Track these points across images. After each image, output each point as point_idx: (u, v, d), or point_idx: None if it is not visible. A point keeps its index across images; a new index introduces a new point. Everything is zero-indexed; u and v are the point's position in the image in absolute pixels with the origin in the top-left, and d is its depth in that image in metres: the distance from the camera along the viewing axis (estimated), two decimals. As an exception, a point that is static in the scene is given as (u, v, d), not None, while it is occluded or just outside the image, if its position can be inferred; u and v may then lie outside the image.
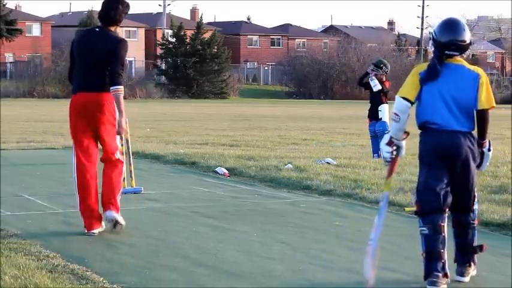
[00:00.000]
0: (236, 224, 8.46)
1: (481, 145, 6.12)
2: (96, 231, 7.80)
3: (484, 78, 6.07)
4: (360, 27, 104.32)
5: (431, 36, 6.14)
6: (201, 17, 74.85)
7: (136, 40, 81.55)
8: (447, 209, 6.03)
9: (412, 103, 6.09)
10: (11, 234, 7.63)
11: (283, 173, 12.27)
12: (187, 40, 70.90)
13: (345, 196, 10.47)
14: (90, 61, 7.75)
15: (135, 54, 77.29)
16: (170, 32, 72.44)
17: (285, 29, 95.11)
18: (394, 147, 6.14)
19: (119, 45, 7.72)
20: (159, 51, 73.82)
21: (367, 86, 15.09)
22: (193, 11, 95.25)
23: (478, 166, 6.14)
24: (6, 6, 70.50)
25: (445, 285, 5.92)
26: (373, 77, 14.89)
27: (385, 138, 6.19)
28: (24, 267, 6.20)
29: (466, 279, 6.12)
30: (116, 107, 7.73)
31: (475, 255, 6.20)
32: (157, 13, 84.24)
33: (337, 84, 77.63)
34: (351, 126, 27.49)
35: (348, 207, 9.70)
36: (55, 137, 19.91)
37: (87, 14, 74.96)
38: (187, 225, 8.37)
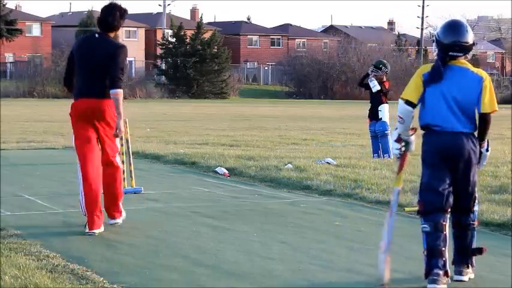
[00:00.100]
0: (236, 224, 8.46)
1: (479, 146, 6.15)
2: (96, 231, 7.84)
3: (488, 82, 6.10)
4: (360, 27, 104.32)
5: (434, 38, 6.17)
6: (201, 17, 74.88)
7: (136, 40, 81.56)
8: (449, 209, 6.06)
9: (415, 105, 6.12)
10: (11, 234, 7.63)
11: (283, 173, 12.27)
12: (187, 40, 70.91)
13: (345, 196, 10.47)
14: (90, 67, 7.88)
15: (135, 54, 77.31)
16: (170, 32, 72.44)
17: (285, 29, 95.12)
18: (403, 143, 6.22)
19: (119, 51, 7.85)
20: (159, 51, 73.83)
21: (368, 87, 15.11)
22: (193, 11, 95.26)
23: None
24: (6, 6, 70.52)
25: (446, 284, 5.94)
26: (372, 78, 14.91)
27: (394, 135, 6.26)
28: (24, 267, 6.20)
29: (465, 278, 6.12)
30: (114, 108, 7.83)
31: (473, 258, 6.20)
32: (157, 13, 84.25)
33: (337, 84, 77.63)
34: (351, 126, 27.50)
35: (348, 207, 9.70)
36: (55, 137, 19.91)
37: (87, 14, 75.02)
38: (187, 225, 8.37)
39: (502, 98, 67.71)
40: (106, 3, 8.19)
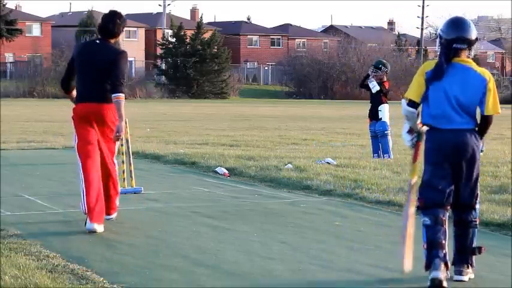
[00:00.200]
0: (236, 224, 8.46)
1: None
2: (96, 226, 7.91)
3: (492, 84, 6.14)
4: (360, 27, 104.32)
5: (438, 35, 6.20)
6: (201, 17, 74.88)
7: (136, 40, 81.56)
8: (448, 207, 6.11)
9: (417, 104, 6.15)
10: (11, 234, 7.63)
11: (283, 173, 12.27)
12: (187, 40, 70.91)
13: (345, 196, 10.47)
14: (90, 73, 8.10)
15: (135, 54, 77.31)
16: (170, 32, 72.45)
17: (285, 29, 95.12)
18: (415, 134, 6.29)
19: (119, 57, 8.07)
20: (159, 51, 73.83)
21: (369, 88, 15.11)
22: (193, 11, 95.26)
23: None
24: (6, 6, 70.52)
25: (446, 274, 5.95)
26: (372, 79, 14.91)
27: (405, 128, 6.31)
28: (24, 267, 6.20)
29: (465, 278, 6.13)
30: (116, 114, 8.07)
31: (473, 257, 6.20)
32: (157, 13, 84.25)
33: (337, 84, 77.64)
34: (351, 126, 27.50)
35: (348, 207, 9.70)
36: (55, 137, 19.91)
37: (87, 14, 75.06)
38: (187, 225, 8.37)
39: (502, 98, 67.70)
40: (107, 11, 8.39)
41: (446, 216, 6.09)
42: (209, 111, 42.70)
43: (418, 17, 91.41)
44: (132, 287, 5.92)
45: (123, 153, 10.85)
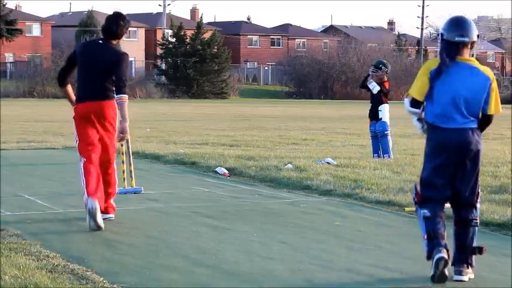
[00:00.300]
0: (236, 224, 8.46)
1: None
2: (95, 201, 8.03)
3: (495, 83, 6.20)
4: (360, 27, 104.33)
5: (439, 34, 6.22)
6: (201, 17, 74.89)
7: (136, 40, 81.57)
8: (445, 204, 6.18)
9: (420, 103, 6.18)
10: (11, 234, 7.63)
11: (283, 173, 12.26)
12: (187, 40, 70.92)
13: (345, 196, 10.46)
14: (92, 72, 8.27)
15: (135, 54, 77.30)
16: (170, 32, 72.46)
17: (285, 29, 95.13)
18: (425, 121, 6.32)
19: (122, 58, 8.26)
20: (159, 51, 73.84)
21: (369, 88, 15.11)
22: (193, 11, 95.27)
23: None
24: (6, 6, 70.52)
25: (448, 259, 6.00)
26: (371, 80, 14.90)
27: (415, 116, 6.31)
28: (24, 267, 6.19)
29: (465, 278, 6.13)
30: (119, 114, 8.28)
31: (473, 257, 6.20)
32: (157, 13, 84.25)
33: (337, 84, 77.66)
34: (351, 126, 27.50)
35: (348, 207, 9.70)
36: (55, 137, 19.91)
37: (87, 14, 75.07)
38: (187, 225, 8.37)
39: (502, 98, 67.71)
40: (111, 12, 8.59)
41: (444, 211, 6.17)
42: (209, 111, 42.71)
43: (418, 17, 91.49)
44: (132, 287, 5.92)
45: (123, 153, 10.84)
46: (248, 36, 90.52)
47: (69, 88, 8.55)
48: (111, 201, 8.63)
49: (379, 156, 14.78)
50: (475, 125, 6.14)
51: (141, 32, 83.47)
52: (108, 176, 8.45)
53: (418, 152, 14.49)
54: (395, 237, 7.90)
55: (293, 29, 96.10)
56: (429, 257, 6.06)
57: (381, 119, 14.90)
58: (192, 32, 71.32)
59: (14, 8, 79.47)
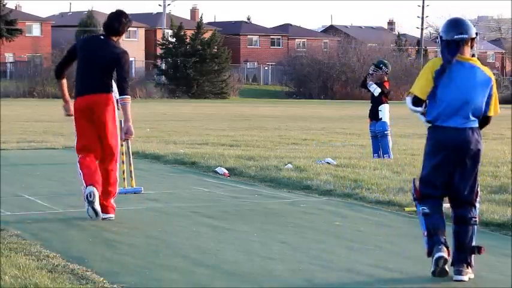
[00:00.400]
0: (236, 224, 8.46)
1: None
2: (95, 189, 8.28)
3: (495, 85, 6.26)
4: (360, 27, 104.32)
5: (438, 37, 6.26)
6: (201, 17, 74.89)
7: (136, 40, 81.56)
8: (443, 198, 6.26)
9: (423, 102, 6.20)
10: (11, 234, 7.63)
11: (283, 173, 12.26)
12: (187, 40, 70.93)
13: (345, 196, 10.46)
14: (92, 67, 8.41)
15: (135, 54, 77.28)
16: (170, 32, 72.46)
17: (285, 29, 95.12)
18: (426, 120, 6.35)
19: (123, 56, 8.39)
20: (159, 51, 73.85)
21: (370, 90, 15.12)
22: (193, 11, 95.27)
23: None
24: (6, 6, 70.52)
25: (448, 258, 6.06)
26: (371, 82, 14.89)
27: (418, 112, 6.33)
28: (24, 267, 6.19)
29: (465, 278, 6.13)
30: (123, 113, 8.45)
31: (472, 257, 6.21)
32: (157, 13, 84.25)
33: (337, 84, 77.66)
34: (351, 126, 27.50)
35: (348, 207, 9.70)
36: (55, 137, 19.90)
37: (87, 14, 75.05)
38: (187, 225, 8.37)
39: (502, 98, 67.77)
40: (113, 10, 8.68)
41: (442, 206, 6.24)
42: (209, 111, 42.70)
43: (418, 17, 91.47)
44: (132, 287, 5.92)
45: (123, 153, 10.85)
46: (248, 36, 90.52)
47: (65, 82, 8.76)
48: (112, 201, 8.64)
49: (379, 156, 14.78)
50: (475, 125, 6.17)
51: (141, 32, 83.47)
52: (108, 173, 8.48)
53: (418, 152, 14.49)
54: (395, 237, 7.90)
55: (293, 29, 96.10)
56: (429, 253, 6.11)
57: (381, 119, 14.89)
58: (192, 32, 71.33)
59: (14, 8, 79.48)
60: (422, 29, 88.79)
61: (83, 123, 8.43)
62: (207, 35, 71.25)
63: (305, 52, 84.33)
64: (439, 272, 6.05)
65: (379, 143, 14.89)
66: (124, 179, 10.62)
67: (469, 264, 6.18)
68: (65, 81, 8.77)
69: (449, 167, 6.15)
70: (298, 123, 29.78)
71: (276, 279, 6.22)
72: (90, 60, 8.41)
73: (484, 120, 6.24)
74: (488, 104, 6.18)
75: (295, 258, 6.90)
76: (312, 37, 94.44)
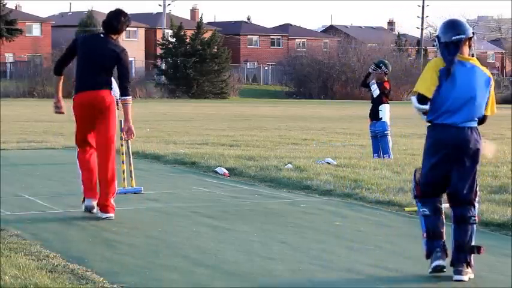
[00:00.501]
0: (236, 224, 8.46)
1: None
2: (93, 201, 8.71)
3: (493, 85, 6.32)
4: (360, 27, 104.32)
5: (435, 39, 6.28)
6: (201, 17, 74.87)
7: (136, 40, 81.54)
8: (442, 194, 6.32)
9: (428, 100, 6.21)
10: (11, 234, 7.63)
11: (283, 173, 12.26)
12: (187, 40, 70.91)
13: (345, 196, 10.46)
14: (93, 63, 8.59)
15: (135, 54, 77.25)
16: (170, 32, 72.44)
17: (285, 29, 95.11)
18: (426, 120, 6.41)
19: (123, 54, 8.57)
20: (159, 51, 73.84)
21: (370, 87, 15.12)
22: (193, 11, 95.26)
23: None
24: (6, 6, 70.50)
25: (446, 262, 6.16)
26: (374, 81, 14.92)
27: (421, 111, 6.35)
28: (24, 267, 6.19)
29: (465, 278, 6.14)
30: (123, 113, 8.66)
31: (472, 257, 6.21)
32: (157, 13, 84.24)
33: (337, 84, 77.64)
34: (351, 126, 27.50)
35: (348, 207, 9.70)
36: (55, 137, 19.90)
37: (87, 14, 75.01)
38: (187, 225, 8.37)
39: (502, 98, 67.78)
40: (111, 10, 8.86)
41: (442, 204, 6.32)
42: (209, 111, 42.70)
43: (418, 17, 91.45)
44: (132, 287, 5.92)
45: (123, 153, 10.85)
46: (248, 36, 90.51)
47: (61, 79, 8.92)
48: (112, 200, 8.66)
49: (379, 156, 14.78)
50: (474, 124, 6.22)
51: (141, 32, 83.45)
52: (107, 170, 8.58)
53: (418, 152, 14.48)
54: (395, 237, 7.90)
55: (293, 29, 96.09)
56: (428, 256, 6.21)
57: (381, 118, 14.90)
58: (192, 32, 71.31)
59: (14, 8, 79.46)
60: (422, 29, 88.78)
61: (82, 118, 8.62)
62: (207, 35, 71.24)
63: (305, 52, 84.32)
64: (435, 272, 6.20)
65: (379, 143, 14.89)
66: (124, 179, 10.62)
67: (468, 264, 6.18)
68: (62, 78, 8.92)
69: (448, 166, 6.19)
70: (298, 123, 29.78)
71: (276, 279, 6.22)
72: (90, 58, 8.56)
73: (481, 120, 6.29)
74: (486, 103, 6.24)
75: (295, 258, 6.90)
76: (312, 37, 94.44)
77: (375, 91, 14.85)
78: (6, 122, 25.68)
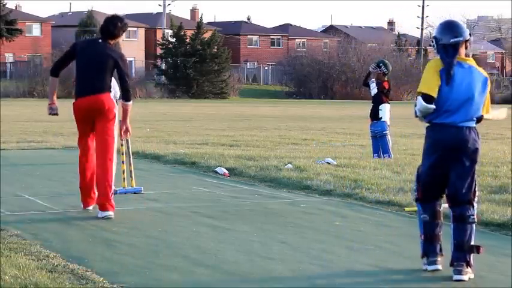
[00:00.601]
0: (236, 224, 8.46)
1: None
2: (91, 207, 9.02)
3: (490, 85, 6.36)
4: (360, 27, 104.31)
5: (433, 40, 6.30)
6: (201, 17, 74.85)
7: (136, 40, 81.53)
8: (442, 196, 6.38)
9: (433, 99, 6.21)
10: (11, 234, 7.63)
11: (283, 173, 12.26)
12: (187, 40, 70.89)
13: (345, 196, 10.46)
14: (92, 68, 8.77)
15: (135, 54, 77.27)
16: (170, 32, 72.43)
17: (285, 29, 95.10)
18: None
19: (122, 60, 8.78)
20: (159, 51, 73.82)
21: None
22: (193, 11, 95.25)
23: None
24: (6, 6, 70.50)
25: (441, 263, 6.31)
26: (373, 80, 14.93)
27: (423, 113, 6.35)
28: (24, 267, 6.19)
29: (465, 277, 6.14)
30: (122, 114, 8.93)
31: (471, 256, 6.22)
32: (157, 13, 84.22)
33: (337, 84, 77.62)
34: (351, 126, 27.50)
35: (348, 207, 9.70)
36: (55, 137, 19.91)
37: (87, 14, 75.05)
38: (187, 225, 8.37)
39: (502, 98, 67.75)
40: (110, 13, 9.21)
41: (441, 205, 6.39)
42: (209, 111, 42.70)
43: (418, 17, 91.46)
44: (132, 287, 5.92)
45: (123, 153, 10.85)
46: (248, 36, 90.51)
47: (57, 81, 9.10)
48: (111, 198, 8.71)
49: (379, 156, 14.78)
50: (473, 124, 6.27)
51: (141, 32, 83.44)
52: (106, 172, 8.71)
53: (418, 152, 14.48)
54: (395, 237, 7.90)
55: (293, 29, 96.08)
56: (423, 255, 6.37)
57: (381, 118, 14.89)
58: (192, 32, 71.30)
59: (14, 8, 79.45)
60: (422, 29, 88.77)
61: (82, 122, 8.87)
62: (207, 35, 71.24)
63: (305, 52, 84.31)
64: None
65: (379, 143, 14.89)
66: (124, 179, 10.62)
67: (468, 263, 6.19)
68: (57, 80, 9.09)
69: (447, 166, 6.23)
70: (298, 123, 29.78)
71: (276, 279, 6.22)
72: (89, 64, 8.73)
73: (477, 120, 6.33)
74: (484, 104, 6.29)
75: (295, 258, 6.90)
76: (312, 37, 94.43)
77: (373, 89, 14.87)
78: (6, 122, 25.68)
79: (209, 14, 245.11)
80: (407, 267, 6.56)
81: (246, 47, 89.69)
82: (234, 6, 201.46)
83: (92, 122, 8.79)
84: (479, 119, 6.33)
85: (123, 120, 9.01)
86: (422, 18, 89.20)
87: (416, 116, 6.34)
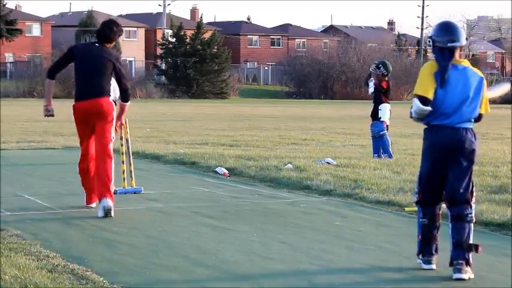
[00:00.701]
0: (236, 224, 8.46)
1: None
2: (94, 204, 9.19)
3: (485, 84, 6.39)
4: (360, 27, 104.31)
5: (430, 40, 6.32)
6: (201, 17, 74.86)
7: (136, 40, 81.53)
8: (442, 198, 6.41)
9: (430, 101, 6.24)
10: (11, 234, 7.63)
11: (283, 173, 12.26)
12: (187, 40, 70.89)
13: (345, 196, 10.46)
14: (91, 72, 8.97)
15: (135, 54, 77.28)
16: (170, 32, 72.43)
17: (285, 29, 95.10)
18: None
19: (119, 63, 9.05)
20: (159, 51, 73.82)
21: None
22: (193, 11, 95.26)
23: None
24: (6, 6, 70.50)
25: (436, 263, 6.42)
26: (372, 78, 14.93)
27: (421, 116, 6.38)
28: (24, 267, 6.20)
29: (464, 276, 6.14)
30: (118, 113, 9.22)
31: (471, 255, 6.22)
32: (157, 13, 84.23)
33: (337, 84, 77.63)
34: (351, 126, 27.50)
35: (348, 207, 9.70)
36: (55, 137, 19.91)
37: (87, 14, 75.05)
38: (187, 225, 8.37)
39: (502, 98, 67.77)
40: (106, 18, 9.45)
41: (440, 208, 6.46)
42: (209, 111, 42.70)
43: (418, 17, 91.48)
44: (132, 287, 5.92)
45: (123, 153, 10.85)
46: (248, 36, 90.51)
47: (53, 83, 9.25)
48: (111, 190, 8.87)
49: (379, 156, 14.78)
50: (470, 125, 6.31)
51: (141, 32, 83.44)
52: (106, 172, 8.87)
53: (418, 152, 14.45)
54: (395, 237, 7.90)
55: (293, 29, 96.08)
56: (419, 254, 6.49)
57: (380, 118, 14.89)
58: (192, 32, 71.30)
59: (14, 8, 79.46)
60: (422, 29, 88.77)
61: (83, 124, 9.07)
62: (207, 35, 71.24)
63: (305, 52, 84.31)
64: None
65: (379, 143, 14.89)
66: (124, 179, 10.62)
67: (468, 262, 6.20)
68: (54, 82, 9.23)
69: (445, 166, 6.27)
70: (298, 123, 29.78)
71: (276, 279, 6.23)
72: (87, 67, 8.97)
73: (476, 119, 6.36)
74: (480, 102, 6.32)
75: (295, 258, 6.90)
76: (312, 37, 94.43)
77: (370, 88, 14.88)
78: (6, 122, 25.69)
79: (209, 14, 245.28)
80: (408, 267, 6.56)
81: (246, 47, 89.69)
82: (234, 6, 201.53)
83: (91, 124, 8.99)
84: (479, 118, 6.36)
85: (118, 117, 9.28)
86: (422, 18, 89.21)
87: (412, 117, 6.35)
